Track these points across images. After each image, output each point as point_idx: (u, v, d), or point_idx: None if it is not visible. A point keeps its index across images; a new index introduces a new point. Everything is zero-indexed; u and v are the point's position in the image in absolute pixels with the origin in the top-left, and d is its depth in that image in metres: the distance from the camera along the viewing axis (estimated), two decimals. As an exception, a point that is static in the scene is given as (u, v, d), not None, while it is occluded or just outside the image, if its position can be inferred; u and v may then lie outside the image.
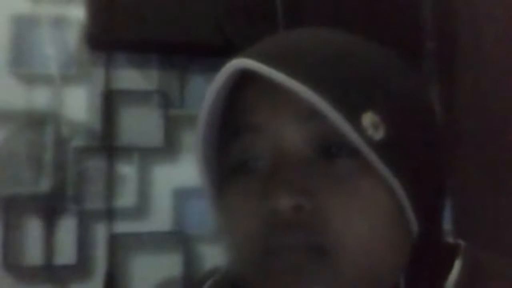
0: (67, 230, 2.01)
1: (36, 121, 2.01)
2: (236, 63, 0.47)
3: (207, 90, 0.49)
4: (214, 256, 2.07)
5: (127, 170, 2.07)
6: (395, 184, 0.45)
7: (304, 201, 0.45)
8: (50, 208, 2.00)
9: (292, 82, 0.44)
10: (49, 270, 1.97)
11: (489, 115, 1.38)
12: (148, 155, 2.11)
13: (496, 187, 1.36)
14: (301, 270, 0.45)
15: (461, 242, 0.52)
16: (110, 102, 2.06)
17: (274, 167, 0.47)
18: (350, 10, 1.58)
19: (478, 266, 0.49)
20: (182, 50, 2.05)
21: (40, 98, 2.02)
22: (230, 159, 0.50)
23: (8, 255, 1.96)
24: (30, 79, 2.03)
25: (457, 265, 0.49)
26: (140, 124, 2.10)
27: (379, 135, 0.44)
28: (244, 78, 0.49)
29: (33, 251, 1.98)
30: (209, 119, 0.50)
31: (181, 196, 2.10)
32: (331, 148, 0.47)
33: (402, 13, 1.55)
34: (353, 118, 0.44)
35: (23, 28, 2.02)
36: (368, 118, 0.44)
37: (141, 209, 2.08)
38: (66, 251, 1.99)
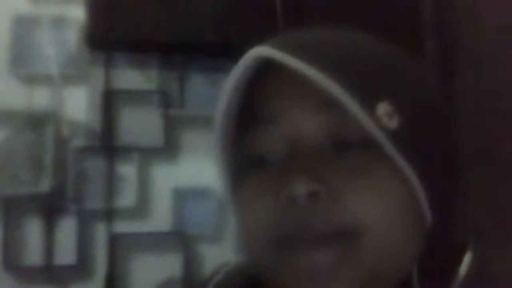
0: (67, 230, 2.01)
1: (36, 121, 2.01)
2: (255, 52, 0.48)
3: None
4: (213, 256, 2.07)
5: (126, 170, 2.08)
6: (410, 174, 0.46)
7: (319, 188, 0.46)
8: (50, 208, 2.00)
9: (310, 69, 0.44)
10: (49, 270, 1.97)
11: (489, 114, 1.39)
12: (148, 155, 2.11)
13: (497, 185, 1.36)
14: (321, 261, 0.45)
15: (470, 239, 0.52)
16: (110, 102, 2.07)
17: (290, 157, 0.48)
18: (350, 9, 1.58)
19: (486, 262, 0.50)
20: (182, 50, 2.05)
21: (40, 98, 2.02)
22: (247, 150, 0.50)
23: (8, 255, 1.96)
24: (30, 79, 2.03)
25: (466, 261, 0.49)
26: (139, 124, 2.10)
27: (393, 124, 0.45)
28: (260, 70, 0.50)
29: (33, 251, 1.99)
30: (227, 111, 0.50)
31: (181, 196, 2.10)
32: (347, 139, 0.47)
33: (402, 12, 1.55)
34: (369, 106, 0.45)
35: (23, 28, 2.02)
36: (382, 108, 0.45)
37: (140, 209, 2.08)
38: (66, 251, 1.99)
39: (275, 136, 0.49)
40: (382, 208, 0.46)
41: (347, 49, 0.49)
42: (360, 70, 0.47)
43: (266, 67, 0.49)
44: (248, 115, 0.51)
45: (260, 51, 0.47)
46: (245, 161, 0.51)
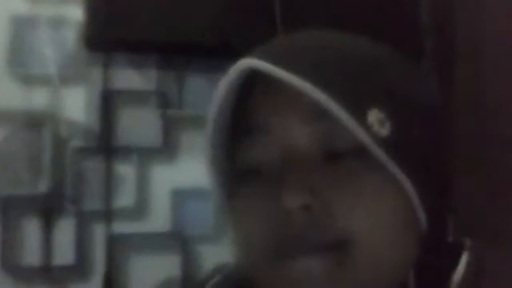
0: (65, 230, 2.00)
1: (34, 121, 2.00)
2: (243, 64, 0.48)
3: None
4: (212, 257, 2.06)
5: (125, 170, 2.07)
6: (403, 180, 0.46)
7: (311, 201, 0.46)
8: (48, 209, 1.99)
9: (298, 80, 0.44)
10: (47, 270, 1.97)
11: (488, 115, 1.39)
12: (147, 156, 2.11)
13: (495, 185, 1.36)
14: (316, 271, 0.45)
15: (467, 240, 0.52)
16: (109, 103, 2.06)
17: (282, 169, 0.48)
18: (349, 9, 1.58)
19: (483, 263, 0.50)
20: (181, 51, 2.04)
21: (38, 98, 2.02)
22: (240, 161, 0.50)
23: (6, 256, 1.95)
24: (28, 79, 2.02)
25: (463, 262, 0.49)
26: (138, 125, 2.10)
27: (385, 131, 0.45)
28: (252, 79, 0.49)
29: (31, 252, 1.98)
30: (218, 120, 0.50)
31: (180, 196, 2.09)
32: (338, 148, 0.47)
33: (401, 12, 1.55)
34: (359, 115, 0.44)
35: (21, 28, 2.01)
36: (373, 115, 0.45)
37: (139, 210, 2.08)
38: (64, 252, 1.99)
39: (267, 146, 0.49)
40: (375, 217, 0.46)
41: (334, 57, 0.48)
42: (349, 78, 0.46)
43: (256, 76, 0.49)
44: (240, 124, 0.51)
45: (247, 62, 0.47)
46: (238, 171, 0.51)
